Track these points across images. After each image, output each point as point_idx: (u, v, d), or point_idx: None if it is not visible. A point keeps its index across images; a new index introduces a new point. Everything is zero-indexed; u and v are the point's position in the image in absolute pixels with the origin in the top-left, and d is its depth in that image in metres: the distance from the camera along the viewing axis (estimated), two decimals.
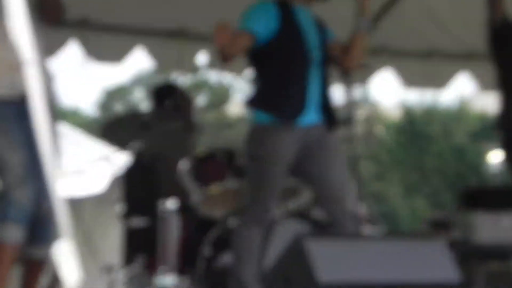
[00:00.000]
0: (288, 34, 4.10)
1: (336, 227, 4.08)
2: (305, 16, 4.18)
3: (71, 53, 6.30)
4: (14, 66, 3.74)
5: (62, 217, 2.59)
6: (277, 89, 4.09)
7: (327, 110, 4.16)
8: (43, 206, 3.74)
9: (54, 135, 3.48)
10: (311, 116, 4.09)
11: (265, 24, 4.06)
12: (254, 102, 4.19)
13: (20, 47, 3.30)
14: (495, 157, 19.77)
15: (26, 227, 3.69)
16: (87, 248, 6.92)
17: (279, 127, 4.02)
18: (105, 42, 6.39)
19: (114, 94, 35.96)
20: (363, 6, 4.14)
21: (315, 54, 4.12)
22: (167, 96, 5.79)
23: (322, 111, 4.14)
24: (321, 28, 4.23)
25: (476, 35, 6.77)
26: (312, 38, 4.14)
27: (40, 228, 3.79)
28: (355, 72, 4.43)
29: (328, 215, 4.14)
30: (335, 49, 4.22)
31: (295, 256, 3.19)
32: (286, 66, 4.09)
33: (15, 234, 3.64)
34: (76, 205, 6.66)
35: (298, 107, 4.06)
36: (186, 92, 6.12)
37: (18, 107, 3.75)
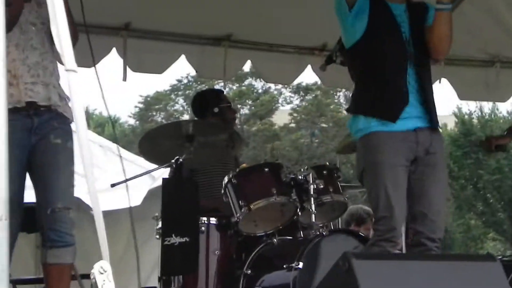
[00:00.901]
0: (381, 25, 4.13)
1: (418, 249, 4.05)
2: (399, 12, 4.19)
3: (113, 63, 6.39)
4: (19, 75, 3.88)
5: (102, 234, 2.66)
6: (375, 89, 4.13)
7: (431, 114, 4.16)
8: (54, 210, 3.85)
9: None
10: (414, 119, 4.11)
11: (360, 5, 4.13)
12: (355, 109, 4.23)
13: (63, 56, 3.38)
14: None
15: None
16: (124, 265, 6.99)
17: (384, 132, 4.05)
18: (148, 55, 6.46)
19: (153, 103, 36.14)
20: None
21: (410, 48, 4.14)
22: (211, 105, 5.86)
23: (427, 115, 4.15)
24: (421, 19, 4.21)
25: None
26: (406, 31, 4.16)
27: (54, 232, 3.89)
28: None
29: (414, 235, 4.11)
30: (427, 33, 4.21)
31: (342, 274, 3.21)
32: (380, 60, 4.12)
33: None
34: (114, 219, 6.74)
35: (401, 100, 4.08)
36: (231, 102, 6.16)
37: (22, 123, 3.87)
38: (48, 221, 3.88)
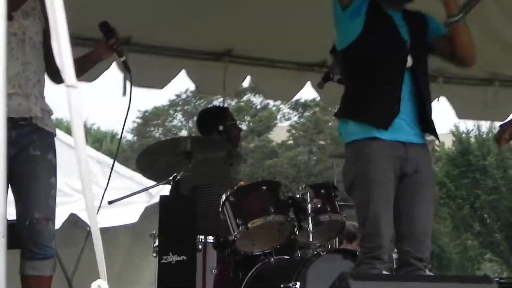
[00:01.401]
0: (378, 28, 4.09)
1: (406, 269, 4.01)
2: (397, 17, 4.17)
3: (113, 77, 6.39)
4: None
5: (99, 252, 2.64)
6: (367, 94, 4.08)
7: (426, 124, 4.13)
8: (32, 222, 3.80)
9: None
10: (406, 132, 4.07)
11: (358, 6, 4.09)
12: (344, 113, 4.18)
13: (63, 72, 3.37)
14: None
15: None
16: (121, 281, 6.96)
17: (373, 139, 4.00)
18: (149, 70, 6.46)
19: (151, 118, 36.16)
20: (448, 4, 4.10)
21: (407, 54, 4.10)
22: (217, 123, 5.85)
23: (417, 123, 4.11)
24: (421, 27, 4.20)
25: None
26: (405, 36, 4.12)
27: (32, 244, 3.84)
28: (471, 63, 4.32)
29: (400, 255, 4.07)
30: (442, 44, 4.20)
31: None
32: (375, 64, 4.07)
33: None
34: (111, 236, 6.72)
35: (392, 108, 4.03)
36: (235, 120, 6.15)
37: None
38: (27, 232, 3.83)
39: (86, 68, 4.25)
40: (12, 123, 3.83)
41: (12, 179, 3.83)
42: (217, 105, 7.41)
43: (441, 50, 4.23)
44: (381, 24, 4.11)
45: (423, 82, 4.14)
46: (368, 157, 3.99)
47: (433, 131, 4.18)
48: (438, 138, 4.27)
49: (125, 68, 4.21)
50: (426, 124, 4.14)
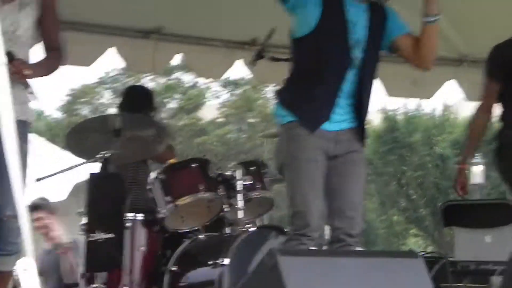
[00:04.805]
0: (329, 28, 4.03)
1: (337, 245, 4.04)
2: (356, 10, 4.08)
3: (40, 55, 6.28)
4: None
5: (26, 231, 2.62)
6: (305, 89, 4.06)
7: (360, 116, 4.14)
8: (2, 219, 3.70)
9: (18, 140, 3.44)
10: (337, 123, 4.07)
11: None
12: (281, 97, 4.18)
13: None
14: (477, 169, 19.79)
15: None
16: None
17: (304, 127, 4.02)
18: (76, 47, 6.37)
19: (79, 96, 35.74)
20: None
21: (357, 53, 4.06)
22: (141, 101, 5.79)
23: (355, 116, 4.12)
24: (381, 23, 4.15)
25: (468, 41, 6.80)
26: (358, 34, 4.06)
27: (2, 240, 3.75)
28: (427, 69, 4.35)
29: (332, 231, 4.10)
30: (404, 43, 4.19)
31: (268, 270, 3.22)
32: (320, 63, 4.03)
33: None
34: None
35: (324, 113, 4.04)
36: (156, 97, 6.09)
37: None
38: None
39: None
40: None
41: None
42: (138, 86, 7.58)
43: (402, 48, 4.20)
44: (332, 23, 4.04)
45: (367, 80, 4.15)
46: (298, 138, 4.02)
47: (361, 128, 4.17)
48: (364, 138, 4.21)
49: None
50: (359, 116, 4.15)
